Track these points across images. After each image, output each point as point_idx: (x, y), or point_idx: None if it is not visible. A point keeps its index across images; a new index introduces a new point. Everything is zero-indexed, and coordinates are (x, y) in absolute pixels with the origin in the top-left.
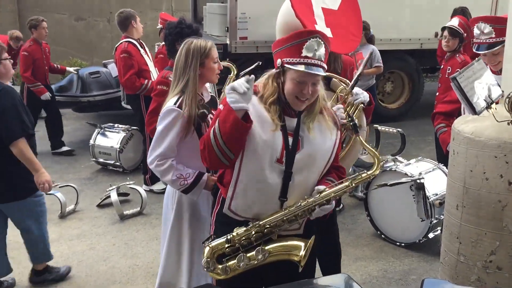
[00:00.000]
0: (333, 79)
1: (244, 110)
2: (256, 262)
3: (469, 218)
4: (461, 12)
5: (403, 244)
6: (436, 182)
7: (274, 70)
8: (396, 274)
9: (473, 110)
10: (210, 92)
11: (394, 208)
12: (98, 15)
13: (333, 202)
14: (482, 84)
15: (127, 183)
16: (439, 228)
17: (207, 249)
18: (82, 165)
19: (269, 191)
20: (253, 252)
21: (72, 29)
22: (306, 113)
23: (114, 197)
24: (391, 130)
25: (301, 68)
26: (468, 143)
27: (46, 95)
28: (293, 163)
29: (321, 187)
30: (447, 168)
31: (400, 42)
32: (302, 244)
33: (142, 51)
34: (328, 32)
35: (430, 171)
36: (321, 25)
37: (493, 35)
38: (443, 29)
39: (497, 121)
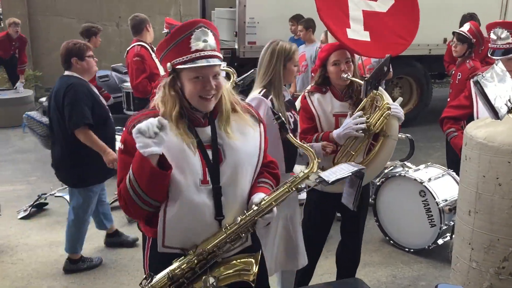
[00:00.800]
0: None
1: (158, 154)
2: None
3: (482, 224)
4: (469, 18)
5: (412, 250)
6: (446, 188)
7: (165, 79)
8: (405, 280)
9: (496, 115)
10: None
11: (403, 213)
12: (106, 19)
13: (275, 209)
14: (503, 88)
15: None
16: (448, 234)
17: None
18: None
19: (203, 214)
20: (201, 283)
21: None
22: (218, 116)
23: None
24: (400, 135)
25: (198, 63)
26: (481, 148)
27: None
28: (219, 177)
29: (257, 199)
30: (457, 174)
31: (408, 47)
32: (252, 260)
33: (153, 55)
34: (365, 36)
35: (439, 177)
36: (356, 28)
37: (510, 41)
38: (453, 34)
39: None
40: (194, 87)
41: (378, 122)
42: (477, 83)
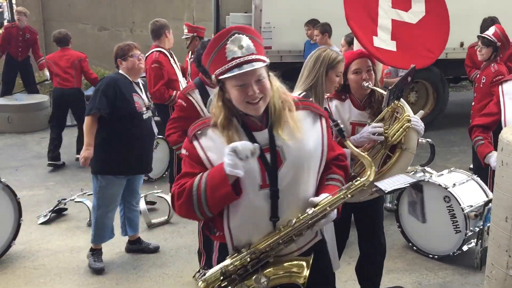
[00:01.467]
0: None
1: (236, 176)
2: None
3: None
4: (490, 21)
5: (436, 257)
6: (470, 193)
7: (215, 90)
8: (431, 287)
9: None
10: None
11: (427, 219)
12: (121, 25)
13: (334, 212)
14: None
15: (155, 191)
16: (473, 240)
17: (201, 285)
18: None
19: (259, 215)
20: (252, 281)
21: (95, 39)
22: (272, 118)
23: (142, 205)
24: (420, 140)
25: (234, 72)
26: None
27: None
28: (277, 181)
29: (316, 199)
30: (481, 180)
31: None
32: (303, 263)
33: (172, 61)
34: (391, 45)
35: (464, 182)
36: (383, 37)
37: None
38: (478, 38)
39: None
40: (238, 94)
41: (397, 134)
42: None
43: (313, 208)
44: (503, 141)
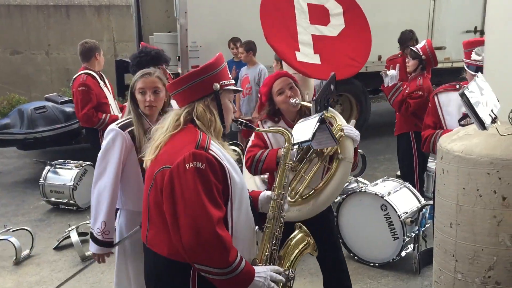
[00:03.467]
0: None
1: None
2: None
3: (465, 236)
4: (410, 34)
5: (377, 264)
6: (405, 200)
7: (203, 100)
8: None
9: (482, 125)
10: None
11: (366, 228)
12: (35, 47)
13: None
14: (485, 99)
15: (87, 221)
16: (410, 246)
17: None
18: (31, 206)
19: (250, 224)
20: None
21: (8, 63)
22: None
23: (74, 237)
24: None
25: (235, 87)
26: (459, 161)
27: None
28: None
29: (268, 192)
30: (409, 183)
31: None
32: (302, 234)
33: (101, 83)
34: (315, 59)
35: (397, 190)
36: (306, 52)
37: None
38: (408, 50)
39: (501, 135)
40: (231, 108)
41: None
42: (463, 95)
43: (273, 192)
44: (443, 149)
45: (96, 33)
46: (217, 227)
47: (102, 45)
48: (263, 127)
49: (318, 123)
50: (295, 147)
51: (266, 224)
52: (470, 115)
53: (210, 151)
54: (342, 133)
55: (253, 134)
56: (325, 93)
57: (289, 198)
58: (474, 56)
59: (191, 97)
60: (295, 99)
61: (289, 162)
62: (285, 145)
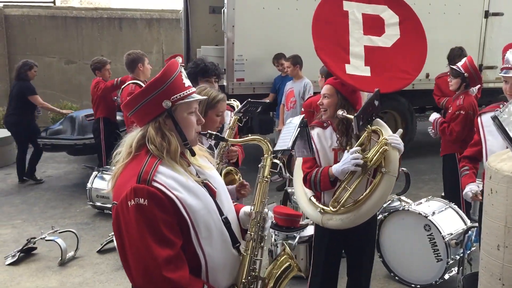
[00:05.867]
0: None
1: None
2: None
3: None
4: (459, 50)
5: (418, 286)
6: (450, 221)
7: (155, 121)
8: None
9: None
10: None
11: (408, 248)
12: (88, 58)
13: (266, 208)
14: None
15: None
16: (454, 268)
17: None
18: (77, 209)
19: (227, 246)
20: None
21: (62, 72)
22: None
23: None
24: None
25: (195, 97)
26: (509, 181)
27: None
28: (221, 209)
29: (246, 208)
30: (457, 205)
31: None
32: (285, 257)
33: None
34: (365, 71)
35: (442, 210)
36: (356, 64)
37: None
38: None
39: None
40: (193, 122)
41: (375, 158)
42: (495, 118)
43: (252, 208)
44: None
45: (147, 45)
46: (164, 269)
47: (151, 56)
48: (311, 133)
49: (299, 129)
50: (278, 155)
51: (243, 247)
52: (503, 138)
53: (154, 183)
54: (386, 147)
55: None
56: (368, 108)
57: (330, 208)
58: (508, 56)
59: (143, 119)
60: (342, 111)
61: (267, 177)
62: (264, 156)
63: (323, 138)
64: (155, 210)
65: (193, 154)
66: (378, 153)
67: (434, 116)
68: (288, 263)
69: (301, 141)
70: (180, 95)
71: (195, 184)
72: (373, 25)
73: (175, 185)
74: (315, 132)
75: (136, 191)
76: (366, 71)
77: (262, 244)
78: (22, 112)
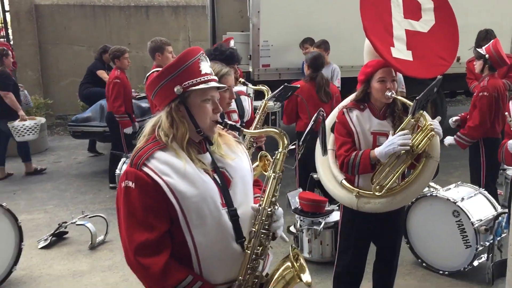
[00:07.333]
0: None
1: None
2: None
3: None
4: (485, 33)
5: (446, 273)
6: (479, 207)
7: (168, 105)
8: None
9: None
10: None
11: (435, 234)
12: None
13: (277, 205)
14: None
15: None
16: (483, 255)
17: None
18: (107, 195)
19: (229, 237)
20: None
21: (91, 61)
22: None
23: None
24: None
25: (210, 84)
26: None
27: (130, 129)
28: (231, 200)
29: (255, 205)
30: (488, 192)
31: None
32: (288, 263)
33: None
34: (408, 55)
35: (471, 196)
36: (400, 48)
37: None
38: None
39: None
40: (207, 109)
41: (422, 143)
42: None
43: (260, 206)
44: None
45: (173, 33)
46: (137, 253)
47: (177, 44)
48: (349, 115)
49: (310, 125)
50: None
51: (246, 244)
52: None
53: (143, 168)
54: (433, 133)
55: (334, 131)
56: (428, 94)
57: (375, 192)
58: None
59: (161, 103)
60: (391, 92)
61: (279, 171)
62: (279, 150)
63: (362, 120)
64: (140, 194)
65: (210, 143)
66: (426, 138)
67: (449, 140)
68: (289, 270)
69: (319, 136)
70: (192, 82)
71: (195, 171)
72: (412, 9)
73: (167, 171)
74: (353, 115)
75: (127, 174)
76: (408, 56)
77: (266, 243)
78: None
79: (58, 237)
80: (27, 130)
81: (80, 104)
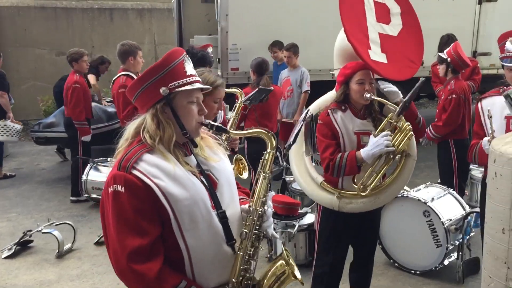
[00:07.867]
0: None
1: None
2: None
3: None
4: (447, 38)
5: (418, 272)
6: (449, 207)
7: (153, 107)
8: None
9: None
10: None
11: (407, 235)
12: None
13: (267, 205)
14: None
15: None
16: (453, 254)
17: None
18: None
19: (221, 239)
20: None
21: (54, 64)
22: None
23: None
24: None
25: (195, 86)
26: None
27: (88, 137)
28: (219, 202)
29: (244, 206)
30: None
31: None
32: (282, 262)
33: None
34: (383, 58)
35: (441, 196)
36: (376, 51)
37: None
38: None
39: None
40: (194, 111)
41: (403, 143)
42: (507, 96)
43: (250, 207)
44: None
45: (138, 36)
46: (131, 259)
47: (143, 47)
48: (333, 116)
49: (302, 122)
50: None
51: (238, 245)
52: None
53: (133, 171)
54: (412, 133)
55: (316, 133)
56: (413, 95)
57: (359, 192)
58: (508, 46)
59: (144, 105)
60: (370, 94)
61: (268, 171)
62: (267, 151)
63: (346, 121)
64: (130, 197)
65: (195, 145)
66: (406, 138)
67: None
68: (283, 270)
69: (307, 136)
70: (178, 83)
71: (184, 174)
72: (382, 13)
73: (157, 173)
74: (338, 116)
75: (115, 178)
76: (383, 58)
77: (257, 244)
78: None
79: (23, 246)
80: (15, 132)
81: (42, 108)
